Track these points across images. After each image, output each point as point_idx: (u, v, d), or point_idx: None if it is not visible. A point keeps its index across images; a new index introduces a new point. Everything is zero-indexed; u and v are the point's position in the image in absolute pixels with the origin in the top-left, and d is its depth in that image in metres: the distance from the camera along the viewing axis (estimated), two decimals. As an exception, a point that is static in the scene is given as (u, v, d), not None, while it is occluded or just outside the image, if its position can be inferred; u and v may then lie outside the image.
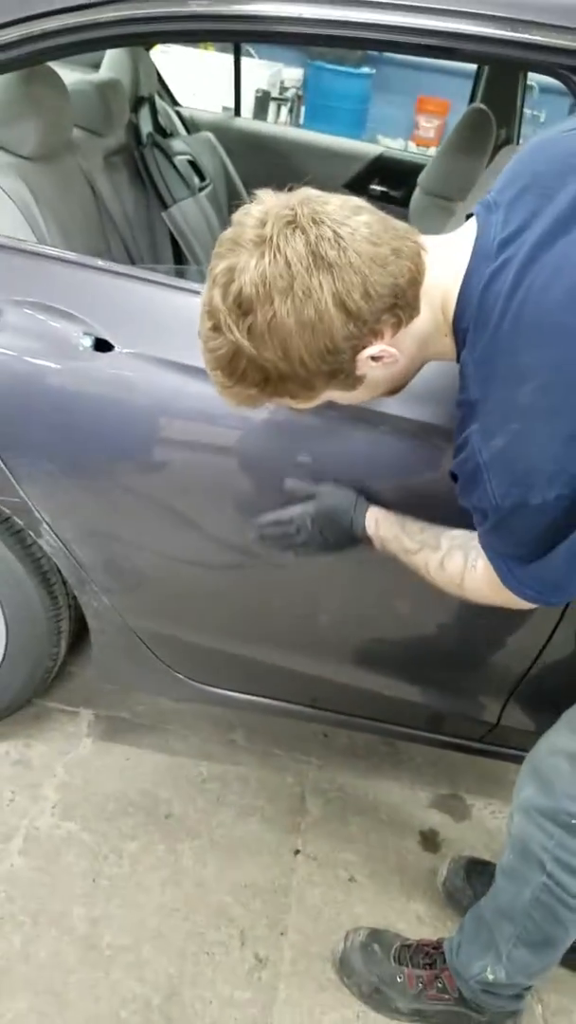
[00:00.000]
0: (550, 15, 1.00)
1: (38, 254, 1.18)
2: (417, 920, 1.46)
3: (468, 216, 0.88)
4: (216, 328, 0.81)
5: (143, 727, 1.74)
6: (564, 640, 1.26)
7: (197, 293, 1.18)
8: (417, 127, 7.18)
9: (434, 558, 1.04)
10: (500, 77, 2.15)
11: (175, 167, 1.69)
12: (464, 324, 0.83)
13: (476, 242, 0.83)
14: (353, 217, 0.78)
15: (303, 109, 5.32)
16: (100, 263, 1.18)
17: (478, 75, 2.30)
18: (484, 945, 1.20)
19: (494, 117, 2.01)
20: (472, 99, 2.33)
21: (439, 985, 1.28)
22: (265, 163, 2.37)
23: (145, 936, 1.36)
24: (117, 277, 1.17)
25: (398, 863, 1.56)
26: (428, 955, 1.31)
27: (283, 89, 5.07)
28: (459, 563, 1.01)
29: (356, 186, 2.45)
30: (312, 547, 1.16)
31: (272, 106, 4.82)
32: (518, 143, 2.34)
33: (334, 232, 0.76)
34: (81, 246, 1.54)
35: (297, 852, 1.55)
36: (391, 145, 3.40)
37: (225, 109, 3.07)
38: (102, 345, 1.15)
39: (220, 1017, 1.28)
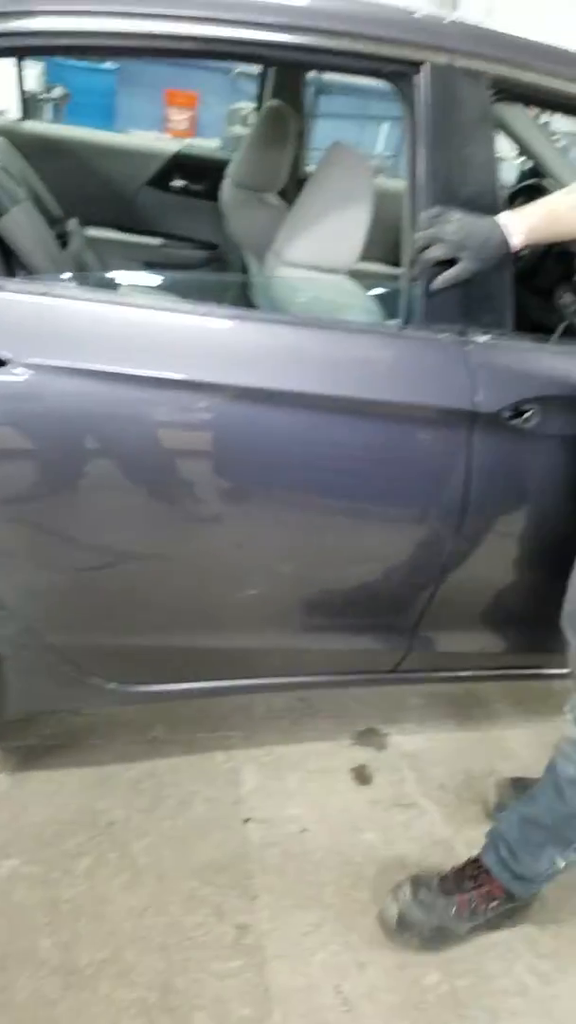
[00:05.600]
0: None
1: None
2: (371, 848, 1.57)
3: None
4: None
5: (58, 748, 1.68)
6: (459, 559, 1.42)
7: (88, 300, 1.19)
8: (168, 119, 7.25)
9: None
10: (286, 76, 2.30)
11: (-1, 178, 1.63)
12: None
13: None
14: None
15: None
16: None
17: (263, 76, 2.43)
18: (539, 844, 1.32)
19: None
20: (260, 97, 2.46)
21: (491, 896, 1.39)
22: (63, 167, 2.30)
23: (123, 942, 1.34)
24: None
25: (341, 803, 1.66)
26: (473, 877, 1.40)
27: (48, 88, 4.89)
28: None
29: (158, 183, 2.48)
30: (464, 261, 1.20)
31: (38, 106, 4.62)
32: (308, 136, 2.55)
33: None
34: None
35: (247, 820, 1.59)
36: (145, 138, 3.46)
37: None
38: (-7, 362, 1.12)
39: (220, 992, 1.30)
